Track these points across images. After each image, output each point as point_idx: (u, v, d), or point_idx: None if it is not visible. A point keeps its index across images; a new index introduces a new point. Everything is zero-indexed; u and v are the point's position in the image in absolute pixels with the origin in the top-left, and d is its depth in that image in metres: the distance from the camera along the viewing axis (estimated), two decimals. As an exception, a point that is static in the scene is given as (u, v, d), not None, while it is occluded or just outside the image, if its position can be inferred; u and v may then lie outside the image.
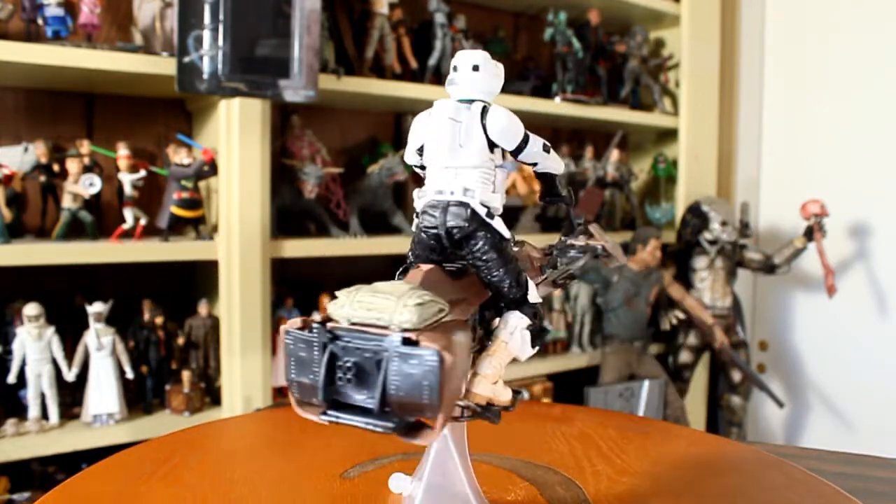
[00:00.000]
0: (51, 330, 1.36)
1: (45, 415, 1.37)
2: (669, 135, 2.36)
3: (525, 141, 0.53)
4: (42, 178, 1.43)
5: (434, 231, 0.52)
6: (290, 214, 1.64)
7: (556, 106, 2.01)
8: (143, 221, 1.46)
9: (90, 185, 1.41)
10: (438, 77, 1.76)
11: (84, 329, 1.41)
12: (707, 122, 2.39)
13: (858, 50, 2.27)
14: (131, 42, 1.46)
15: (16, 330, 1.35)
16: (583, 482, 0.69)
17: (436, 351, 0.41)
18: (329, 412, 0.45)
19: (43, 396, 1.37)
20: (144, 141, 1.64)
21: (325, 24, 1.57)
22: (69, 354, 1.39)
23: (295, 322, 0.46)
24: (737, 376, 2.23)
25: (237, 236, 1.48)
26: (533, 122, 2.17)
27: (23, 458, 1.34)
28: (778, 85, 2.51)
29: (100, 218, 1.51)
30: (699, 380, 2.35)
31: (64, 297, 1.49)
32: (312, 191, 1.62)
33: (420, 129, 0.54)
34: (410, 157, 0.56)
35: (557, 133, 2.34)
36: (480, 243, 0.52)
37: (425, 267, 0.53)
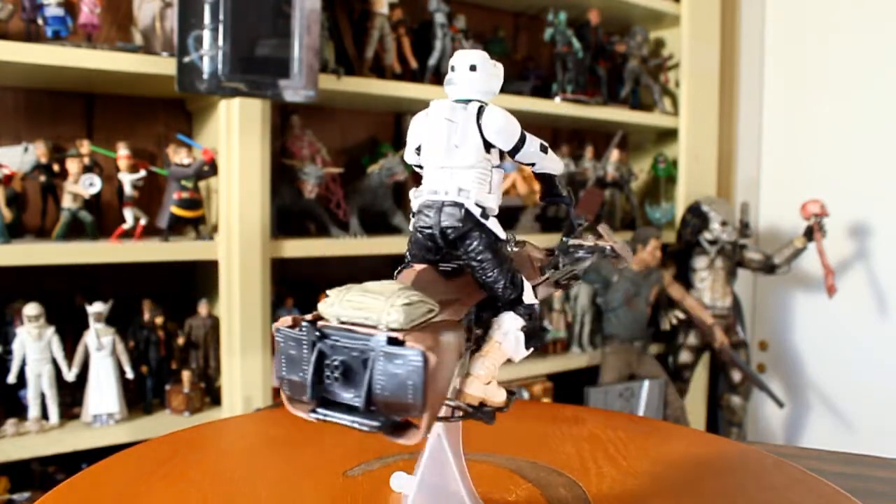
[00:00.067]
0: (51, 330, 1.36)
1: (45, 415, 1.37)
2: (669, 135, 2.36)
3: (522, 141, 0.52)
4: (42, 178, 1.43)
5: (429, 231, 0.52)
6: (290, 214, 1.64)
7: (556, 106, 2.01)
8: (143, 221, 1.46)
9: (90, 185, 1.41)
10: (438, 77, 1.76)
11: (84, 329, 1.41)
12: (707, 122, 2.39)
13: (858, 50, 2.27)
14: (131, 42, 1.46)
15: (16, 330, 1.35)
16: (586, 483, 0.69)
17: (420, 351, 0.42)
18: (318, 410, 0.46)
19: (43, 396, 1.37)
20: (144, 141, 1.64)
21: (325, 24, 1.57)
22: (69, 354, 1.39)
23: (286, 320, 0.47)
24: (737, 376, 2.23)
25: (237, 236, 1.48)
26: (533, 122, 2.19)
27: (23, 458, 1.34)
28: (778, 85, 2.51)
29: (100, 218, 1.51)
30: (699, 380, 2.35)
31: (64, 297, 1.49)
32: (312, 191, 1.62)
33: (417, 129, 0.54)
34: (410, 156, 0.56)
35: (557, 133, 2.34)
36: (475, 243, 0.52)
37: (418, 267, 0.53)
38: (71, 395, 1.43)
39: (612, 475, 0.72)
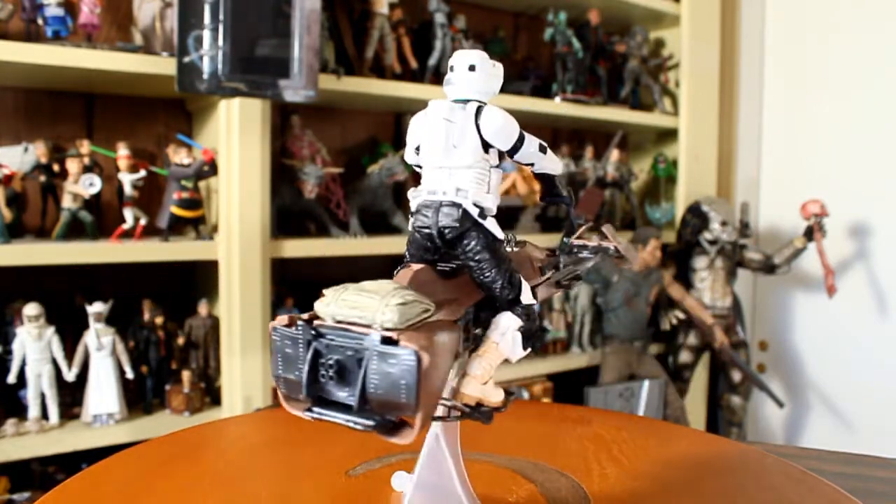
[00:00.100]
0: (51, 330, 1.36)
1: (45, 415, 1.37)
2: (669, 135, 2.36)
3: (520, 141, 0.52)
4: (42, 178, 1.43)
5: (427, 231, 0.52)
6: (290, 214, 1.64)
7: (556, 106, 2.01)
8: (143, 221, 1.46)
9: (90, 185, 1.41)
10: (438, 77, 1.76)
11: (84, 329, 1.41)
12: (707, 122, 2.39)
13: (858, 50, 2.27)
14: (131, 42, 1.46)
15: (16, 330, 1.35)
16: (588, 484, 0.69)
17: (413, 351, 0.42)
18: (314, 409, 0.46)
19: (43, 396, 1.37)
20: (144, 141, 1.64)
21: (325, 24, 1.57)
22: (69, 354, 1.39)
23: (282, 319, 0.47)
24: (737, 376, 2.23)
25: (237, 236, 1.48)
26: (533, 122, 2.19)
27: (23, 458, 1.34)
28: (778, 85, 2.51)
29: (100, 218, 1.51)
30: (699, 380, 2.35)
31: (64, 297, 1.49)
32: (312, 191, 1.62)
33: (416, 129, 0.54)
34: (410, 156, 0.56)
35: (557, 133, 2.34)
36: (472, 243, 0.52)
37: (416, 266, 0.53)
38: (71, 395, 1.43)
39: (614, 476, 0.72)
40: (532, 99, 1.97)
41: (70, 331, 1.42)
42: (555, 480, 0.70)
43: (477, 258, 0.52)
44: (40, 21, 1.34)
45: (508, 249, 0.60)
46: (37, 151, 1.42)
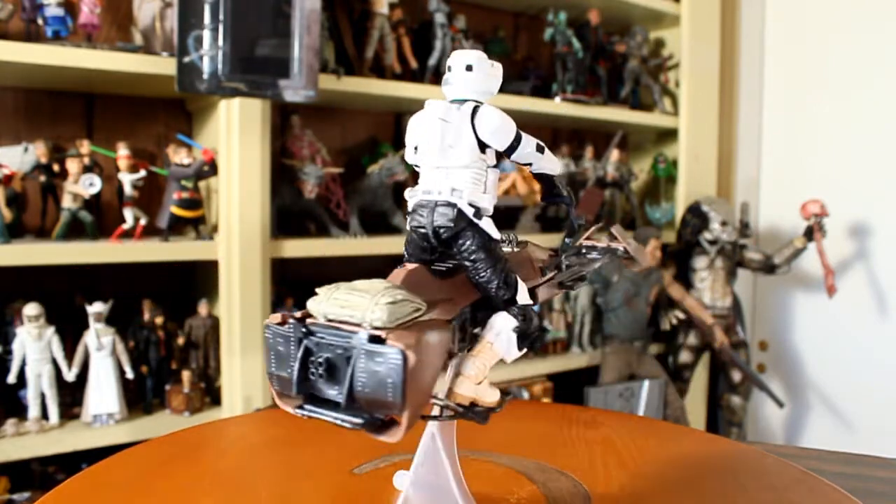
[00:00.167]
0: (51, 330, 1.36)
1: (45, 415, 1.37)
2: (669, 135, 2.36)
3: (517, 141, 0.52)
4: (42, 178, 1.43)
5: (423, 231, 0.53)
6: (290, 214, 1.64)
7: (556, 106, 2.01)
8: (143, 221, 1.46)
9: (90, 185, 1.41)
10: (438, 77, 1.76)
11: (84, 329, 1.41)
12: (707, 122, 2.39)
13: (858, 50, 2.27)
14: (131, 42, 1.46)
15: (16, 330, 1.35)
16: (589, 484, 0.69)
17: (399, 350, 0.42)
18: (305, 406, 0.47)
19: (43, 396, 1.37)
20: (144, 141, 1.64)
21: (325, 24, 1.57)
22: (69, 354, 1.39)
23: (275, 317, 0.48)
24: (737, 376, 2.23)
25: (237, 236, 1.48)
26: (533, 122, 2.19)
27: (23, 458, 1.33)
28: (778, 85, 2.51)
29: (100, 218, 1.51)
30: (699, 380, 2.35)
31: (64, 297, 1.48)
32: (312, 191, 1.62)
33: (414, 129, 0.54)
34: (410, 156, 0.56)
35: (557, 133, 2.34)
36: (468, 243, 0.52)
37: (410, 266, 0.53)
38: (71, 395, 1.43)
39: (615, 476, 0.72)
40: (532, 99, 1.97)
41: (70, 331, 1.42)
42: (556, 480, 0.70)
43: (472, 258, 0.52)
44: (40, 21, 1.34)
45: (508, 249, 0.60)
46: (37, 151, 1.42)
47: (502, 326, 0.53)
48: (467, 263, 0.52)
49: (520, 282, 0.53)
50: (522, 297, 0.53)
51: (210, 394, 1.56)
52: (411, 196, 0.54)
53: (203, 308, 1.54)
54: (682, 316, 2.19)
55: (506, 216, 2.00)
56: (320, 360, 0.45)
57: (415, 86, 1.73)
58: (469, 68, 0.52)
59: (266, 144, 1.51)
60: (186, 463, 0.77)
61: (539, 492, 0.67)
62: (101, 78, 1.41)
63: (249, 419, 1.11)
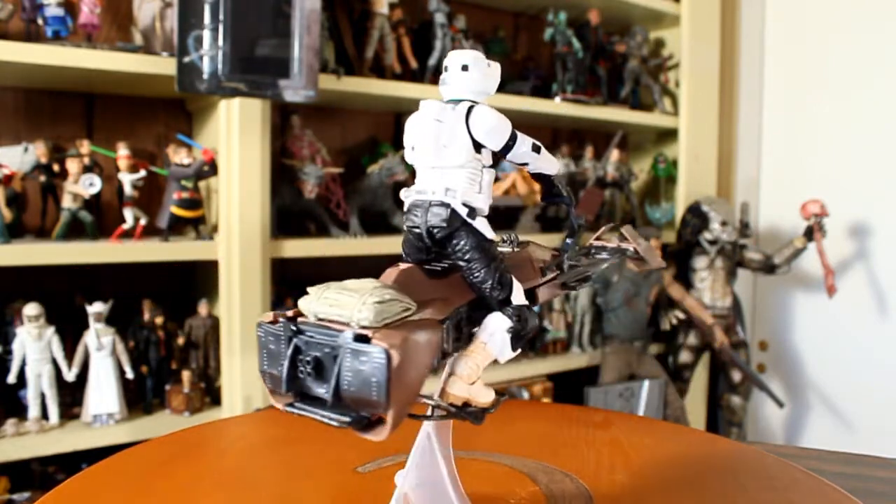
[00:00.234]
0: (51, 330, 1.36)
1: (45, 415, 1.37)
2: (669, 135, 2.36)
3: (512, 141, 0.52)
4: (42, 178, 1.43)
5: (417, 231, 0.53)
6: (290, 214, 1.64)
7: (556, 106, 2.01)
8: (143, 221, 1.46)
9: (90, 185, 1.41)
10: (438, 77, 1.76)
11: (84, 329, 1.41)
12: (707, 122, 2.39)
13: (858, 50, 2.27)
14: (131, 42, 1.46)
15: (16, 330, 1.35)
16: (590, 484, 0.69)
17: (383, 349, 0.42)
18: (295, 404, 0.47)
19: (43, 396, 1.37)
20: (144, 141, 1.64)
21: (325, 24, 1.57)
22: (69, 354, 1.39)
23: (267, 316, 0.48)
24: (737, 376, 2.23)
25: (237, 236, 1.48)
26: (533, 123, 2.19)
27: (23, 458, 1.33)
28: (778, 85, 2.51)
29: (100, 218, 1.51)
30: (699, 380, 2.35)
31: (64, 297, 1.48)
32: (312, 191, 1.62)
33: (410, 130, 0.54)
34: (408, 156, 0.56)
35: (557, 133, 2.34)
36: (461, 243, 0.52)
37: (403, 266, 0.53)
38: (71, 395, 1.43)
39: (615, 475, 0.72)
40: (532, 99, 1.97)
41: (70, 331, 1.42)
42: (558, 481, 0.70)
43: (466, 258, 0.52)
44: (40, 21, 1.34)
45: (508, 250, 0.60)
46: (37, 151, 1.42)
47: (496, 327, 0.52)
48: (461, 263, 0.52)
49: (515, 282, 0.53)
50: (517, 298, 0.53)
51: (210, 394, 1.56)
52: (407, 196, 0.54)
53: (203, 308, 1.54)
54: (682, 316, 2.19)
55: (506, 216, 2.00)
56: (308, 358, 0.46)
57: (415, 86, 1.73)
58: (465, 68, 0.52)
59: (266, 144, 1.51)
60: (186, 463, 0.77)
61: (541, 492, 0.67)
62: (101, 78, 1.41)
63: (249, 419, 1.11)
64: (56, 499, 0.67)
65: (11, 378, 1.33)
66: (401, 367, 0.43)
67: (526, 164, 0.55)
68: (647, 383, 2.03)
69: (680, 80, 2.32)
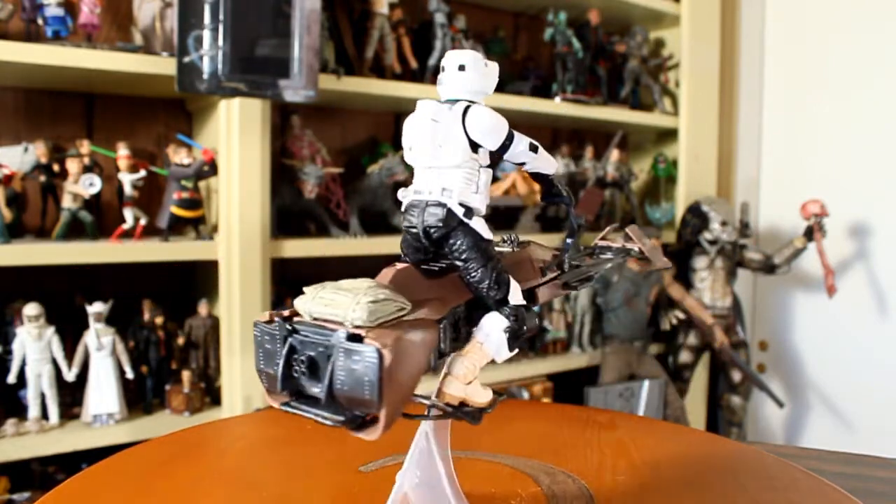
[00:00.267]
0: (51, 330, 1.36)
1: (45, 415, 1.37)
2: (669, 135, 2.36)
3: (509, 140, 0.52)
4: (42, 178, 1.43)
5: (414, 231, 0.53)
6: (290, 214, 1.64)
7: (556, 106, 2.01)
8: (143, 221, 1.46)
9: (90, 185, 1.41)
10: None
11: (84, 329, 1.41)
12: (707, 122, 2.39)
13: (858, 50, 2.27)
14: (131, 42, 1.46)
15: (16, 330, 1.35)
16: (593, 486, 0.69)
17: (375, 349, 0.43)
18: (291, 403, 0.48)
19: (43, 396, 1.37)
20: (144, 141, 1.64)
21: (325, 24, 1.57)
22: (69, 354, 1.39)
23: (264, 316, 0.49)
24: (737, 376, 2.23)
25: (237, 236, 1.48)
26: (533, 123, 2.19)
27: (23, 458, 1.33)
28: (778, 85, 2.51)
29: (100, 218, 1.51)
30: (699, 380, 2.35)
31: (64, 297, 1.48)
32: (312, 191, 1.62)
33: (408, 131, 0.54)
34: (407, 156, 0.56)
35: (557, 133, 2.34)
36: (458, 243, 0.52)
37: (399, 266, 0.53)
38: (71, 395, 1.43)
39: (616, 475, 0.72)
40: (532, 99, 1.97)
41: (70, 331, 1.42)
42: (561, 482, 0.70)
43: (463, 258, 0.52)
44: (40, 21, 1.34)
45: (508, 250, 0.60)
46: (37, 151, 1.42)
47: (493, 327, 0.52)
48: (458, 263, 0.52)
49: (513, 282, 0.53)
50: (515, 298, 0.53)
51: (210, 394, 1.56)
52: (404, 196, 0.54)
53: (203, 308, 1.54)
54: (682, 316, 2.19)
55: (506, 216, 2.00)
56: (303, 357, 0.46)
57: (415, 86, 1.73)
58: (461, 68, 0.52)
59: (266, 144, 1.51)
60: (186, 463, 0.77)
61: (542, 493, 0.67)
62: (101, 78, 1.41)
63: (249, 419, 1.11)
64: (56, 499, 0.67)
65: (11, 378, 1.33)
66: (393, 366, 0.43)
67: (523, 163, 0.55)
68: (647, 383, 2.03)
69: (680, 80, 2.32)
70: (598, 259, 0.69)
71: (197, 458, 0.80)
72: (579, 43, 2.05)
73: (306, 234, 1.70)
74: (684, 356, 2.24)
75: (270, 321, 0.48)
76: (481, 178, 0.52)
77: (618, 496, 0.67)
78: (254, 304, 1.50)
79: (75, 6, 1.37)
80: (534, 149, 0.54)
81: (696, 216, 2.19)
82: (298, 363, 0.46)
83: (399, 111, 1.96)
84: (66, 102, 1.57)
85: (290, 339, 0.47)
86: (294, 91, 1.49)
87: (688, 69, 2.31)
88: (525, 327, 0.53)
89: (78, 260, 1.36)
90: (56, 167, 1.44)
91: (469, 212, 0.52)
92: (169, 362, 1.52)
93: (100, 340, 1.40)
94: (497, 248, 0.59)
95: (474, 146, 0.52)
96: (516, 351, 0.54)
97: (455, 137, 0.51)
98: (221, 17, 1.38)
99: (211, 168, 1.49)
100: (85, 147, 1.46)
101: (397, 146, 1.87)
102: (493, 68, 0.53)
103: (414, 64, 1.79)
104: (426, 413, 0.53)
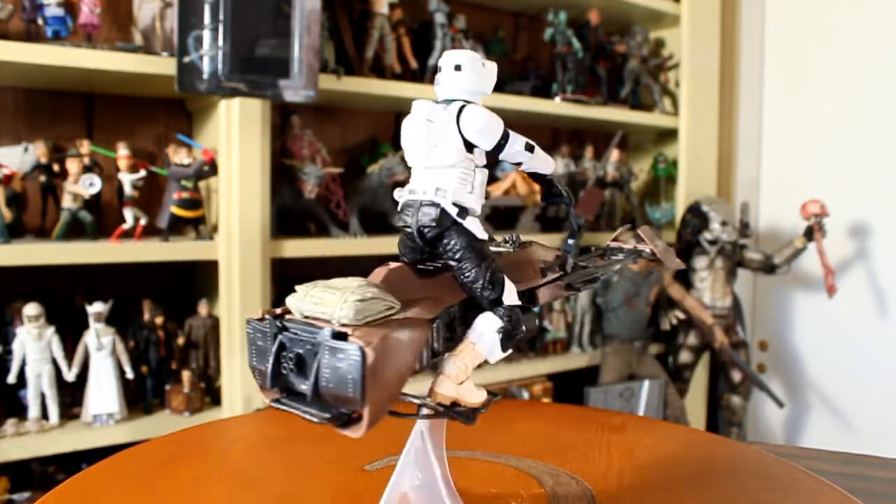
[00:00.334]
0: (51, 330, 1.36)
1: (45, 415, 1.37)
2: (669, 135, 2.36)
3: (504, 140, 0.52)
4: (42, 178, 1.43)
5: (409, 230, 0.53)
6: (290, 214, 1.64)
7: (556, 106, 2.01)
8: (143, 221, 1.46)
9: (90, 185, 1.41)
10: (438, 77, 1.76)
11: (84, 329, 1.41)
12: (707, 122, 2.39)
13: (858, 50, 2.27)
14: (131, 42, 1.46)
15: (16, 330, 1.35)
16: (593, 486, 0.69)
17: (358, 347, 0.43)
18: (281, 399, 0.48)
19: (43, 396, 1.37)
20: (144, 141, 1.64)
21: (325, 24, 1.57)
22: (69, 354, 1.39)
23: (256, 313, 0.50)
24: (737, 376, 2.23)
25: (237, 236, 1.48)
26: (533, 123, 2.19)
27: (23, 458, 1.34)
28: (778, 85, 2.51)
29: (100, 218, 1.51)
30: (699, 380, 2.35)
31: (64, 297, 1.48)
32: (312, 191, 1.62)
33: (405, 131, 0.54)
34: (406, 156, 0.56)
35: (557, 133, 2.34)
36: (452, 243, 0.52)
37: (392, 265, 0.53)
38: (71, 395, 1.43)
39: (616, 475, 0.72)
40: (532, 99, 1.97)
41: (70, 331, 1.42)
42: (565, 483, 0.70)
43: (457, 257, 0.52)
44: (40, 21, 1.34)
45: (505, 250, 0.60)
46: (37, 151, 1.42)
47: (486, 327, 0.52)
48: (452, 263, 0.52)
49: (507, 282, 0.53)
50: (509, 298, 0.53)
51: (210, 394, 1.56)
52: (400, 196, 0.54)
53: (203, 308, 1.54)
54: (682, 316, 2.19)
55: (506, 216, 2.00)
56: (291, 355, 0.47)
57: (415, 86, 1.73)
58: (458, 68, 0.52)
59: (266, 144, 1.51)
60: (186, 463, 0.77)
61: (545, 494, 0.67)
62: (101, 78, 1.41)
63: (249, 419, 1.12)
64: (56, 499, 0.67)
65: (11, 378, 1.33)
66: (377, 364, 0.43)
67: (520, 163, 0.55)
68: (647, 383, 2.03)
69: (680, 80, 2.32)
70: (609, 261, 0.68)
71: (197, 458, 0.80)
72: (579, 43, 2.05)
73: (306, 234, 1.70)
74: (684, 356, 2.24)
75: (262, 319, 0.49)
76: (477, 178, 0.52)
77: (617, 496, 0.67)
78: (254, 304, 1.50)
79: (75, 6, 1.37)
80: (530, 148, 0.54)
81: (696, 216, 2.19)
82: (287, 360, 0.47)
83: (399, 111, 1.96)
84: (66, 102, 1.57)
85: (279, 337, 0.47)
86: (294, 91, 1.49)
87: (688, 69, 2.31)
88: (520, 328, 0.53)
89: (78, 260, 1.36)
90: (56, 167, 1.44)
91: (463, 212, 0.51)
92: (169, 362, 1.52)
93: (100, 340, 1.40)
94: (497, 249, 0.59)
95: (469, 146, 0.51)
96: (510, 351, 0.54)
97: (450, 137, 0.51)
98: (221, 17, 1.38)
99: (211, 168, 1.49)
100: (85, 147, 1.46)
101: (397, 146, 1.87)
102: (491, 68, 0.53)
103: (414, 64, 1.79)
104: (417, 412, 0.52)
